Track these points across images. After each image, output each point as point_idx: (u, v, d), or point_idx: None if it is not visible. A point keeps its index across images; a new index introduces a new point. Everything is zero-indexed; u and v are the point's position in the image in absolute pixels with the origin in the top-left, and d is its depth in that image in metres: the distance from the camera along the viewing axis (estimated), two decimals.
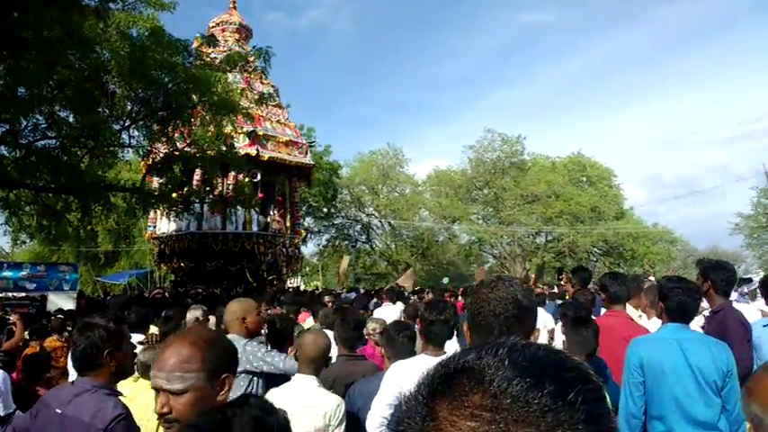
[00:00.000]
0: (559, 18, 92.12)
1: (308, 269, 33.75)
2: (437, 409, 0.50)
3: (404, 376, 2.75)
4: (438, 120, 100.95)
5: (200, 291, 14.60)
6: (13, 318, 7.03)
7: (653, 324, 3.94)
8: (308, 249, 34.65)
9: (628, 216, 36.89)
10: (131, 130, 11.91)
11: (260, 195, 16.22)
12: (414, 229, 36.57)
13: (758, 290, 6.16)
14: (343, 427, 2.75)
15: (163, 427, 1.49)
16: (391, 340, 3.36)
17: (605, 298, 3.87)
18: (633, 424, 2.82)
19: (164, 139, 12.16)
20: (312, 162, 18.90)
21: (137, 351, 3.00)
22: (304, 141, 18.64)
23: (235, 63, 12.62)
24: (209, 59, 12.60)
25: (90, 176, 11.13)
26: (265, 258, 16.56)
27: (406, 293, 11.76)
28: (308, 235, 32.19)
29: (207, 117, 12.00)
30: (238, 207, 14.47)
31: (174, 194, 12.97)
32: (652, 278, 9.09)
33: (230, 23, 18.29)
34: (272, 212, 17.42)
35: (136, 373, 2.94)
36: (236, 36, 18.05)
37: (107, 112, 11.23)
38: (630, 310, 4.53)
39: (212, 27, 18.16)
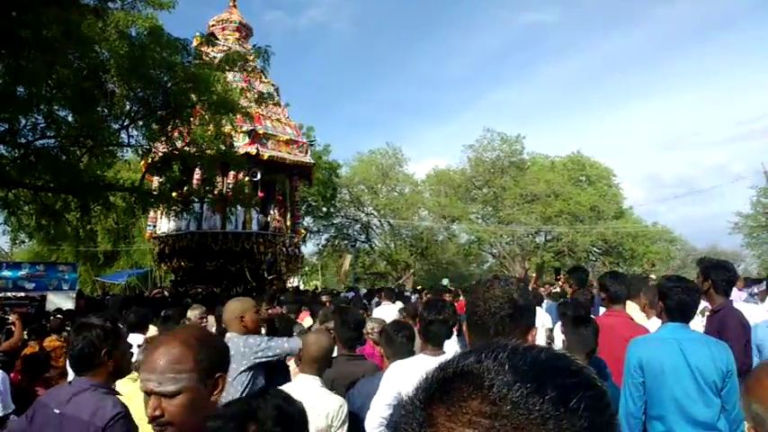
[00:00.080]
0: (559, 18, 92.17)
1: (307, 269, 33.75)
2: (435, 414, 0.49)
3: (403, 376, 2.75)
4: (437, 119, 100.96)
5: (200, 290, 14.61)
6: (12, 317, 7.03)
7: (653, 324, 3.93)
8: (308, 249, 34.66)
9: (627, 215, 36.90)
10: (130, 130, 11.91)
11: (260, 194, 16.22)
12: (413, 229, 36.57)
13: None
14: (345, 427, 2.75)
15: (154, 431, 1.43)
16: (390, 340, 3.36)
17: (605, 297, 3.87)
18: (633, 424, 2.82)
19: (163, 139, 12.15)
20: (312, 161, 18.90)
21: (134, 350, 3.00)
22: (304, 140, 18.62)
23: (234, 62, 12.61)
24: (208, 59, 12.58)
25: (89, 176, 11.11)
26: (265, 258, 16.56)
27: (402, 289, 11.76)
28: (308, 234, 32.18)
29: (206, 116, 11.99)
30: (238, 206, 14.46)
31: (173, 194, 12.96)
32: (653, 277, 9.08)
33: (230, 22, 18.29)
34: (272, 212, 17.41)
35: (134, 372, 2.94)
36: (237, 35, 18.04)
37: (106, 111, 11.22)
38: (635, 309, 4.53)
39: (212, 26, 18.15)
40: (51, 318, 8.08)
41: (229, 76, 13.55)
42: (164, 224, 16.77)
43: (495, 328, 1.43)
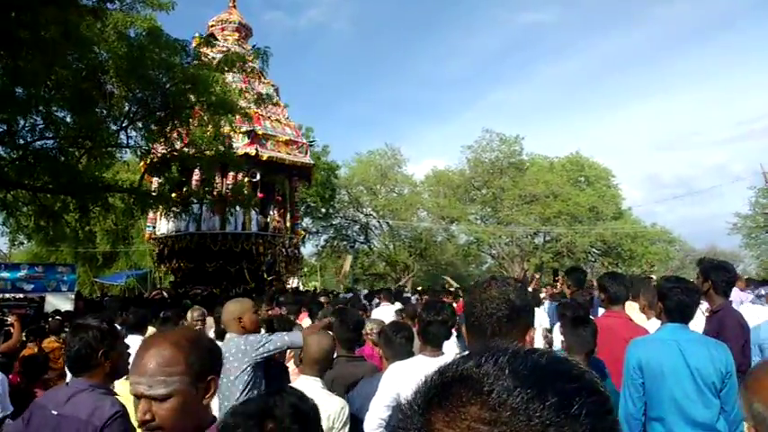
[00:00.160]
0: (558, 18, 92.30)
1: (306, 270, 33.75)
2: (433, 420, 0.48)
3: (401, 377, 2.74)
4: (436, 119, 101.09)
5: (199, 291, 14.60)
6: (10, 319, 7.01)
7: (652, 325, 3.93)
8: (307, 250, 34.67)
9: (626, 216, 36.92)
10: (129, 131, 11.92)
11: (260, 195, 16.21)
12: (412, 230, 36.57)
13: None
14: (347, 429, 2.74)
15: None
16: (389, 341, 3.35)
17: (605, 298, 3.87)
18: (633, 425, 2.81)
19: (162, 140, 12.15)
20: (312, 162, 18.89)
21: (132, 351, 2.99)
22: (304, 141, 18.61)
23: (233, 63, 12.61)
24: (207, 60, 12.58)
25: (88, 177, 11.10)
26: (265, 259, 16.56)
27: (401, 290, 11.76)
28: (306, 235, 32.18)
29: (205, 117, 11.99)
30: (237, 207, 14.45)
31: (173, 195, 12.96)
32: (654, 277, 9.06)
33: (230, 22, 18.29)
34: (272, 212, 17.40)
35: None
36: (236, 35, 18.05)
37: (105, 112, 11.22)
38: (635, 309, 4.53)
39: (212, 26, 18.16)
40: (50, 319, 8.06)
41: (229, 76, 13.55)
42: (163, 225, 16.77)
43: (492, 329, 1.43)
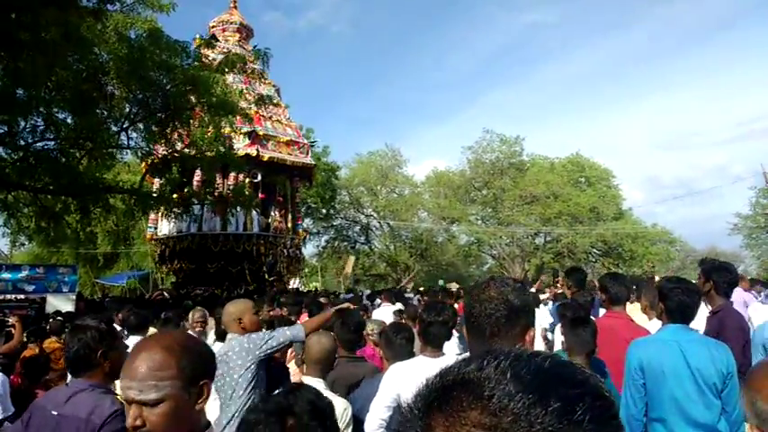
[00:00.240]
0: (558, 18, 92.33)
1: (306, 270, 33.78)
2: (432, 424, 0.47)
3: (402, 378, 2.75)
4: (436, 120, 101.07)
5: (200, 292, 14.60)
6: (11, 320, 7.01)
7: (653, 325, 3.94)
8: (307, 250, 34.64)
9: (626, 217, 36.89)
10: (130, 132, 11.92)
11: (261, 196, 16.21)
12: (413, 230, 36.58)
13: None
14: (350, 430, 2.75)
15: None
16: (389, 342, 3.36)
17: (605, 299, 3.87)
18: (634, 426, 2.81)
19: (162, 141, 12.16)
20: (313, 162, 18.88)
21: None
22: (305, 141, 18.59)
23: (233, 64, 12.62)
24: (207, 61, 12.59)
25: (89, 178, 11.11)
26: (266, 259, 16.55)
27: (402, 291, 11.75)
28: (307, 236, 32.22)
29: (206, 118, 11.99)
30: (238, 208, 14.45)
31: (174, 196, 12.97)
32: (657, 278, 9.05)
33: (231, 23, 18.30)
34: (273, 213, 17.39)
35: None
36: (237, 36, 18.05)
37: (105, 113, 11.23)
38: (636, 310, 4.53)
39: (213, 27, 18.17)
40: (51, 320, 8.06)
41: (229, 77, 13.57)
42: (164, 226, 16.76)
43: (491, 330, 1.43)
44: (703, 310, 3.74)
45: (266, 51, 13.67)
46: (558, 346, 4.67)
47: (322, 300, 9.29)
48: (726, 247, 40.14)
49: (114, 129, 11.56)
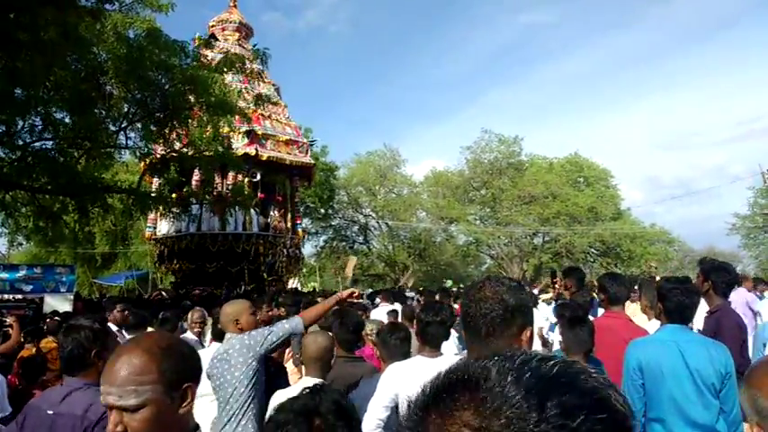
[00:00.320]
0: (557, 18, 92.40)
1: (305, 270, 33.80)
2: (427, 420, 0.47)
3: (400, 378, 2.75)
4: (435, 120, 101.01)
5: (197, 292, 14.58)
6: (9, 320, 7.00)
7: (654, 325, 3.94)
8: (306, 250, 34.66)
9: (625, 217, 36.95)
10: (128, 132, 11.91)
11: (260, 195, 16.20)
12: (411, 230, 36.61)
13: None
14: None
15: None
16: (384, 343, 3.37)
17: (604, 299, 3.87)
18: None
19: (161, 141, 12.15)
20: (312, 161, 18.85)
21: None
22: (304, 140, 18.56)
23: (232, 64, 12.61)
24: (206, 61, 12.58)
25: (87, 178, 11.09)
26: (266, 259, 16.54)
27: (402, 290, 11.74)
28: (306, 236, 32.22)
29: (204, 118, 11.99)
30: (237, 208, 14.44)
31: (173, 195, 12.96)
32: (657, 278, 9.05)
33: (230, 22, 18.29)
34: (273, 213, 17.38)
35: None
36: (237, 35, 18.04)
37: (104, 113, 11.22)
38: (636, 310, 4.54)
39: (212, 26, 18.16)
40: (48, 320, 8.05)
41: (228, 76, 13.56)
42: (163, 226, 16.74)
43: (487, 329, 1.44)
44: (703, 310, 3.75)
45: (265, 51, 13.67)
46: (556, 346, 4.68)
47: (320, 300, 9.29)
48: (724, 247, 40.24)
49: (113, 128, 11.55)
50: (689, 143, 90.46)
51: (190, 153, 12.32)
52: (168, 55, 10.91)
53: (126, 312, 5.46)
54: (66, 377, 2.35)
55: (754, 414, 1.25)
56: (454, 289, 14.25)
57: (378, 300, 10.40)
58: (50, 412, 2.11)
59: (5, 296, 11.80)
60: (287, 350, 4.62)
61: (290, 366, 4.43)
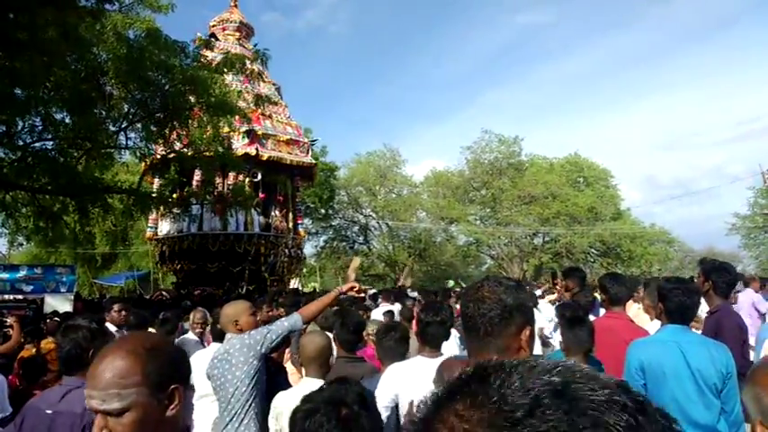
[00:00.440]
0: (556, 18, 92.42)
1: (305, 270, 33.80)
2: (433, 417, 0.46)
3: (400, 379, 2.75)
4: (435, 120, 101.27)
5: (197, 293, 14.57)
6: (10, 320, 7.00)
7: (655, 326, 3.94)
8: (306, 251, 34.61)
9: (625, 217, 36.94)
10: (128, 132, 11.90)
11: (262, 195, 16.18)
12: (411, 231, 36.58)
13: None
14: None
15: None
16: (379, 344, 3.38)
17: (605, 299, 3.87)
18: None
19: (161, 141, 12.14)
20: (313, 161, 18.81)
21: None
22: (305, 140, 18.53)
23: (232, 65, 12.61)
24: (206, 61, 12.57)
25: (87, 178, 11.09)
26: (267, 259, 16.52)
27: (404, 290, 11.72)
28: (306, 236, 32.21)
29: (204, 118, 11.98)
30: (237, 208, 14.43)
31: (174, 195, 12.95)
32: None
33: (231, 22, 18.28)
34: (275, 213, 17.35)
35: None
36: (237, 34, 18.03)
37: (104, 113, 11.21)
38: (638, 309, 4.53)
39: (213, 26, 18.17)
40: (48, 320, 8.05)
41: (229, 76, 13.55)
42: (165, 226, 16.73)
43: (485, 329, 1.45)
44: (702, 310, 3.74)
45: (265, 52, 13.67)
46: (557, 347, 4.68)
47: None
48: (724, 248, 40.22)
49: (113, 129, 11.55)
50: (689, 143, 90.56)
51: (190, 153, 12.32)
52: (168, 55, 10.90)
53: (123, 312, 5.42)
54: (64, 377, 2.35)
55: (757, 413, 1.24)
56: (457, 289, 14.20)
57: (380, 300, 10.40)
58: (49, 412, 2.11)
59: (6, 296, 11.79)
60: (286, 350, 4.62)
61: (290, 367, 4.42)
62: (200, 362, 3.69)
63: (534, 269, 35.32)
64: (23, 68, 8.85)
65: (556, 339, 5.50)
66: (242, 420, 2.93)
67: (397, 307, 7.98)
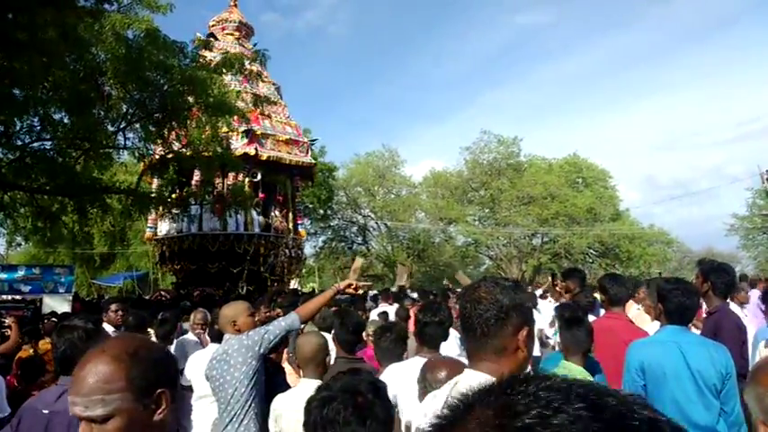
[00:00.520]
0: (556, 19, 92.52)
1: (303, 271, 33.78)
2: (457, 421, 0.47)
3: (399, 379, 2.74)
4: (434, 120, 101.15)
5: (196, 293, 14.55)
6: (8, 321, 6.99)
7: (654, 327, 3.94)
8: (305, 251, 34.64)
9: (624, 217, 36.96)
10: (127, 132, 11.89)
11: (261, 196, 16.15)
12: (410, 231, 36.57)
13: None
14: None
15: None
16: (376, 345, 3.38)
17: (605, 300, 3.87)
18: None
19: (159, 141, 12.13)
20: (313, 161, 18.77)
21: None
22: (305, 140, 18.49)
23: (231, 65, 12.60)
24: (205, 61, 12.56)
25: (86, 178, 11.08)
26: (267, 260, 16.49)
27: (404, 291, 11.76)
28: (306, 236, 32.19)
29: (203, 119, 11.97)
30: (237, 208, 14.40)
31: (173, 196, 12.93)
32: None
33: (230, 22, 18.24)
34: (275, 213, 17.32)
35: None
36: (237, 34, 17.99)
37: (102, 113, 11.19)
38: (639, 310, 4.52)
39: (212, 26, 18.11)
40: (45, 320, 8.03)
41: (228, 76, 13.52)
42: (164, 226, 16.69)
43: (482, 329, 1.47)
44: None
45: (264, 53, 13.65)
46: (556, 347, 4.67)
47: None
48: (722, 248, 40.31)
49: (111, 129, 11.52)
50: (688, 143, 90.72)
51: (188, 153, 12.30)
52: (167, 55, 10.89)
53: (120, 312, 5.39)
54: (61, 377, 2.35)
55: (760, 412, 1.24)
56: (458, 290, 14.18)
57: (380, 300, 10.41)
58: (46, 412, 2.11)
59: (4, 297, 11.77)
60: (284, 350, 4.61)
61: (287, 367, 4.42)
62: (199, 363, 3.68)
63: (533, 270, 35.33)
64: (22, 68, 8.84)
65: (554, 340, 5.50)
66: (241, 421, 2.93)
67: (393, 308, 7.98)
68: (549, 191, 34.16)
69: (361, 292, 4.25)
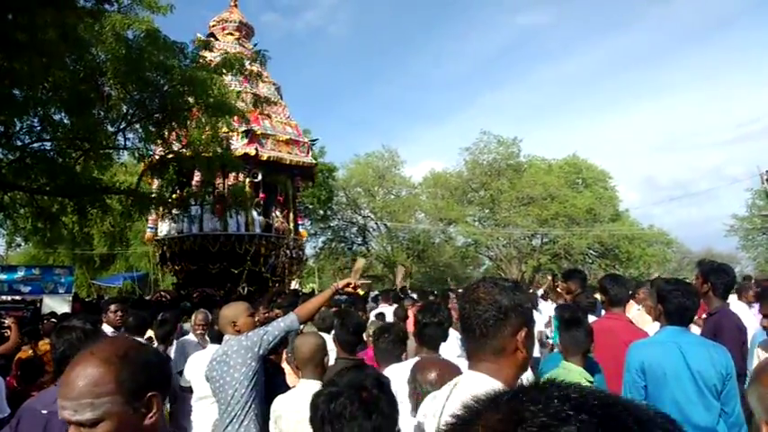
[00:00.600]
0: (556, 19, 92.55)
1: (304, 271, 33.78)
2: (473, 425, 0.47)
3: (397, 381, 2.74)
4: (433, 121, 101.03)
5: (196, 294, 14.54)
6: (7, 321, 6.98)
7: (654, 327, 3.94)
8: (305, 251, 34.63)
9: (623, 218, 36.97)
10: (127, 133, 11.88)
11: (262, 196, 16.14)
12: (410, 232, 36.58)
13: None
14: None
15: None
16: (375, 347, 3.38)
17: (605, 300, 3.87)
18: None
19: (159, 141, 12.13)
20: (313, 161, 18.75)
21: None
22: (305, 140, 18.47)
23: (231, 66, 12.60)
24: (204, 62, 12.56)
25: (85, 179, 11.07)
26: (268, 260, 16.48)
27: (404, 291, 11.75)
28: (307, 237, 32.18)
29: (203, 119, 11.97)
30: (237, 208, 14.39)
31: (173, 196, 12.92)
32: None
33: (230, 22, 18.24)
34: (276, 213, 17.30)
35: None
36: (237, 34, 17.99)
37: (102, 114, 11.19)
38: (641, 310, 4.52)
39: (212, 26, 18.11)
40: (45, 321, 8.03)
41: (228, 77, 13.51)
42: (164, 227, 16.68)
43: (480, 330, 1.47)
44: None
45: (264, 54, 13.65)
46: (556, 349, 4.67)
47: None
48: (722, 249, 40.30)
49: (111, 129, 11.51)
50: (688, 144, 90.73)
51: (188, 154, 12.30)
52: (167, 56, 10.88)
53: (119, 313, 5.37)
54: (60, 378, 2.35)
55: (763, 413, 1.24)
56: (460, 290, 14.19)
57: (380, 301, 10.40)
58: (45, 412, 2.11)
59: (4, 297, 11.77)
60: (284, 351, 4.61)
61: (287, 367, 4.41)
62: (199, 364, 3.68)
63: (533, 270, 35.34)
64: (22, 69, 8.84)
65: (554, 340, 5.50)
66: (242, 422, 2.93)
67: (391, 309, 7.97)
68: (548, 191, 34.17)
69: (360, 291, 4.26)
